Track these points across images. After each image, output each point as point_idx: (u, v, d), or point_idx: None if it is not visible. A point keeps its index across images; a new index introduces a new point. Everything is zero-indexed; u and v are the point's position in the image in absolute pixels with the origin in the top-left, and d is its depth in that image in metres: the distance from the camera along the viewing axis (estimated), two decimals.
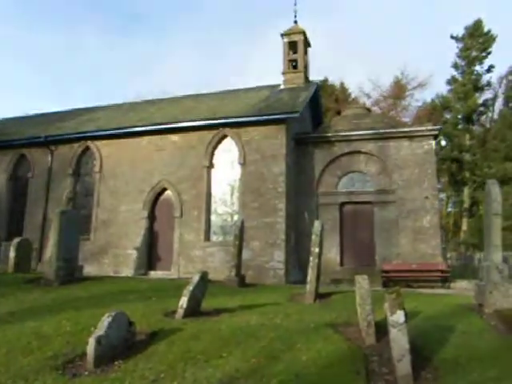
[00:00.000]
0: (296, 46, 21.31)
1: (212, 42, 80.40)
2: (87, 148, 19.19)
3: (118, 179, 18.30)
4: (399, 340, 5.12)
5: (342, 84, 45.64)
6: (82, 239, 14.79)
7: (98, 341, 5.55)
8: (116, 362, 5.60)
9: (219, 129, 17.36)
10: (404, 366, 4.92)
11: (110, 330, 5.76)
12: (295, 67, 21.20)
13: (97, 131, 19.08)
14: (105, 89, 75.83)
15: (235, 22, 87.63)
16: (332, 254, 17.44)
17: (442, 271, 15.86)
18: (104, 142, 18.88)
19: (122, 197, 18.05)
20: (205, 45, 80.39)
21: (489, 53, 41.50)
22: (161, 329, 6.82)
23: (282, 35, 21.52)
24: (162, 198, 17.85)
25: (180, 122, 17.91)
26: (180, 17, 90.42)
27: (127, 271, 16.95)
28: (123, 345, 5.99)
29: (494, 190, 8.17)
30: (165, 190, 17.74)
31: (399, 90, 43.50)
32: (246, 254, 14.52)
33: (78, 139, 19.18)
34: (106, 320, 5.86)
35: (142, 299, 9.35)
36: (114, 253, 17.54)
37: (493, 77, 42.19)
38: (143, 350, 6.00)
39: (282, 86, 20.79)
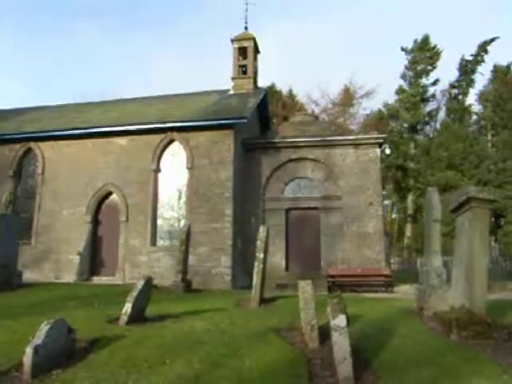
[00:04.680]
0: (246, 51, 21.43)
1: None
2: (29, 149, 18.52)
3: (60, 182, 17.74)
4: (341, 343, 5.20)
5: (290, 90, 46.22)
6: (21, 244, 14.33)
7: (36, 350, 5.32)
8: (54, 372, 5.38)
9: (167, 133, 17.20)
10: (345, 369, 5.00)
11: (48, 338, 5.54)
12: (245, 73, 21.31)
13: (39, 132, 18.43)
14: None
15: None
16: (277, 259, 17.57)
17: (386, 276, 16.25)
18: (47, 143, 18.27)
19: (64, 200, 17.50)
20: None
21: (435, 67, 43.47)
22: (103, 336, 6.64)
23: (232, 41, 21.58)
24: (107, 201, 17.46)
25: (126, 125, 17.59)
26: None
27: (69, 277, 16.44)
28: (62, 353, 5.79)
29: (434, 197, 8.52)
30: (110, 193, 17.37)
31: (348, 97, 44.45)
32: (192, 260, 14.44)
33: (20, 140, 18.51)
34: (44, 328, 5.63)
35: (84, 306, 9.12)
36: (56, 258, 16.97)
37: (437, 89, 44.18)
38: (83, 359, 5.82)
39: (231, 92, 20.84)
